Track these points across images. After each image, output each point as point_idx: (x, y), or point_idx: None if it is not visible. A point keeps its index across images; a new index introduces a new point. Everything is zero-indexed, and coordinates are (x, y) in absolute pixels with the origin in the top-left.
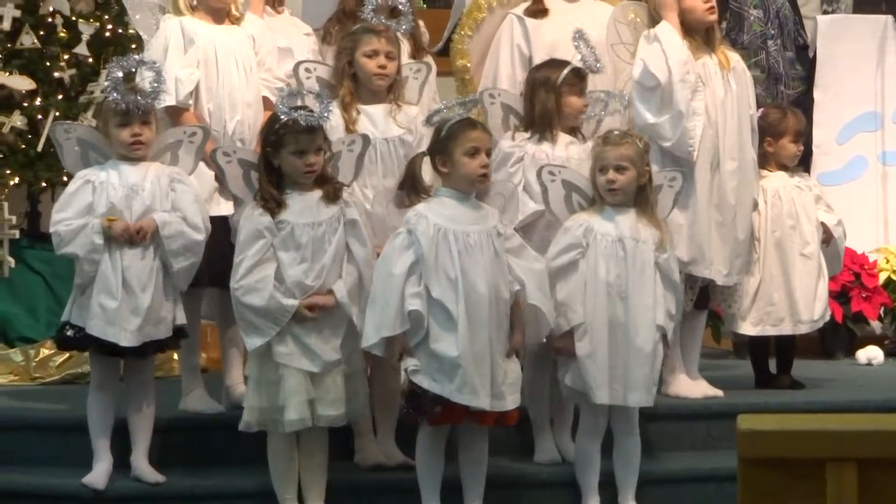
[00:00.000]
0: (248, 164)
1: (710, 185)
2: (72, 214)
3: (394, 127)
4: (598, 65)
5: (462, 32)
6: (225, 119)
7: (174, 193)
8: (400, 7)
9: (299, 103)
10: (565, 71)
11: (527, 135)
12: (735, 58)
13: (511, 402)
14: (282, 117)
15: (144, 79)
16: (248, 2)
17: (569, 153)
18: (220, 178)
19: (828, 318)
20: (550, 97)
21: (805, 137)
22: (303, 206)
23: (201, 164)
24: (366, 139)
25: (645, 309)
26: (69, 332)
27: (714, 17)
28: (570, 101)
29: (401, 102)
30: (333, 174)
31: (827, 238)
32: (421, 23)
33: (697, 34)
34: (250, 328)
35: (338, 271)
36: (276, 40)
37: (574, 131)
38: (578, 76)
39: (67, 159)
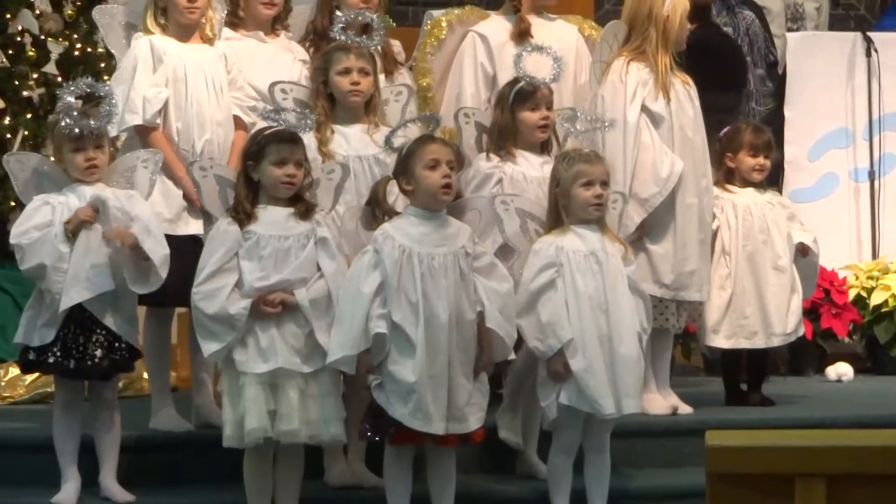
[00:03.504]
0: (224, 180)
1: (697, 206)
2: (31, 227)
3: (370, 145)
4: (543, 79)
5: (423, 51)
6: (193, 138)
7: (133, 210)
8: (371, 23)
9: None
10: (517, 86)
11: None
12: (687, 76)
13: (474, 422)
14: (264, 123)
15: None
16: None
17: (544, 173)
18: (192, 196)
19: (801, 332)
20: (506, 114)
21: (767, 152)
22: (272, 220)
23: (169, 184)
24: (345, 169)
25: (626, 317)
26: (31, 356)
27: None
28: (525, 116)
29: (380, 122)
30: (312, 201)
31: (804, 251)
32: (397, 42)
33: (669, 52)
34: (207, 333)
35: (301, 287)
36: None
37: (546, 149)
38: (531, 90)
39: (22, 190)
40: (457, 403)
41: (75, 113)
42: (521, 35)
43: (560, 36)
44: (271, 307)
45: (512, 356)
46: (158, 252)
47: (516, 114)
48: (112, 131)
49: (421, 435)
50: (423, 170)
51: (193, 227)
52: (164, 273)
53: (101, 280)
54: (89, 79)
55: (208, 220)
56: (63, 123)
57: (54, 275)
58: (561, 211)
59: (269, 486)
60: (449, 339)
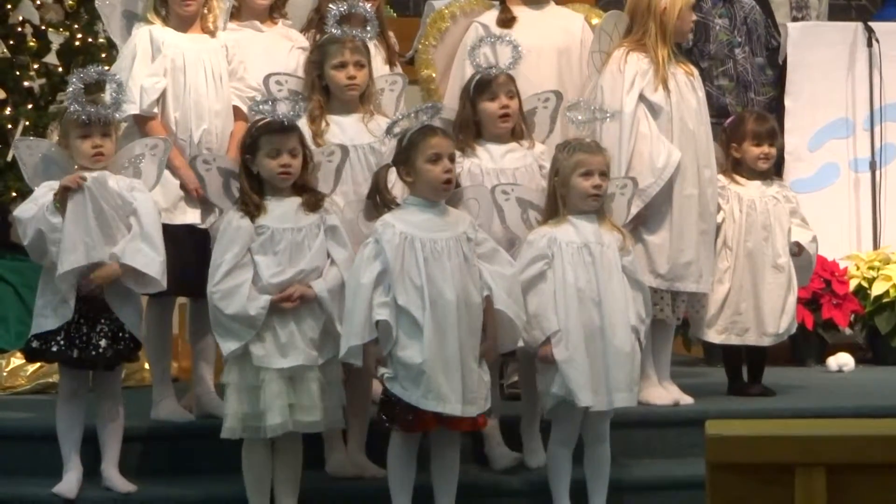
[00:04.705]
0: (228, 172)
1: (697, 197)
2: (32, 204)
3: (365, 135)
4: (496, 69)
5: (426, 42)
6: (191, 128)
7: (134, 203)
8: (365, 15)
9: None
10: (475, 78)
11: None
12: (691, 66)
13: (477, 407)
14: (256, 117)
15: (108, 90)
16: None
17: (503, 164)
18: (189, 186)
19: (793, 331)
20: (466, 107)
21: (771, 139)
22: (283, 212)
23: (166, 173)
24: (344, 150)
25: (618, 311)
26: (35, 344)
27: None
28: (484, 106)
29: (375, 111)
30: (319, 190)
31: (798, 251)
32: (391, 33)
33: (668, 45)
34: (225, 332)
35: (317, 277)
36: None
37: (517, 136)
38: (488, 80)
39: (31, 176)
40: (468, 386)
41: (84, 99)
42: (504, 24)
43: (565, 26)
44: (290, 303)
45: (521, 343)
46: (154, 263)
47: (477, 105)
48: None
49: (434, 420)
50: (425, 163)
51: (190, 216)
52: (164, 280)
53: (94, 253)
54: (100, 66)
55: (206, 209)
56: (71, 109)
57: (52, 246)
58: (559, 201)
59: (269, 477)
60: (458, 322)
